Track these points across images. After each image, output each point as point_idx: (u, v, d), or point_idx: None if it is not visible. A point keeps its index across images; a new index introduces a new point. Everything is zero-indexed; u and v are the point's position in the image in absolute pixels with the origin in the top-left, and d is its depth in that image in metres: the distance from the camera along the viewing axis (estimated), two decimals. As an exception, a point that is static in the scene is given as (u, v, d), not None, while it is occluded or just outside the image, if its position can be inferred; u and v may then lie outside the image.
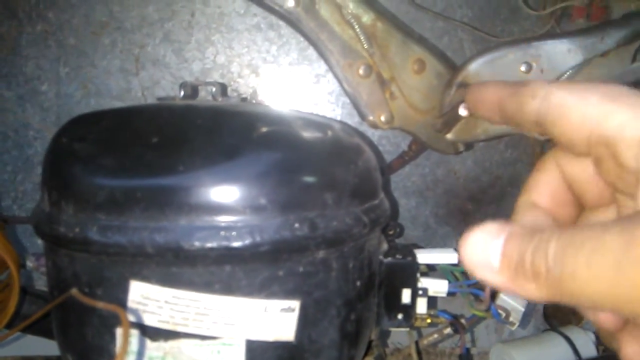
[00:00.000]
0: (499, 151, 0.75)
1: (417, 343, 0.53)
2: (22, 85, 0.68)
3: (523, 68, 0.48)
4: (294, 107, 0.70)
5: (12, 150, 0.69)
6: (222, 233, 0.35)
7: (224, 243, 0.35)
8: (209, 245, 0.35)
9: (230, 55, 0.70)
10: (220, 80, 0.70)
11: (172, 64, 0.69)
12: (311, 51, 0.67)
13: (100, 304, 0.29)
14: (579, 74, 0.49)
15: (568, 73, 0.49)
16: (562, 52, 0.48)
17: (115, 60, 0.68)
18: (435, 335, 0.57)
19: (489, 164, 0.75)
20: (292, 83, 0.70)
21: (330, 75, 0.66)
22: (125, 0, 0.67)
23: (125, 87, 0.69)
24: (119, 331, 0.36)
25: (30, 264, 0.48)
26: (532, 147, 0.72)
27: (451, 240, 0.77)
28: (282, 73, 0.70)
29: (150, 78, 0.69)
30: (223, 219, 0.35)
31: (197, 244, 0.35)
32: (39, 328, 0.47)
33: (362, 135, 0.55)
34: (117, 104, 0.68)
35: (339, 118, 0.72)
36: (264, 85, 0.70)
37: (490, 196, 0.76)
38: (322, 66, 0.68)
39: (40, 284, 0.65)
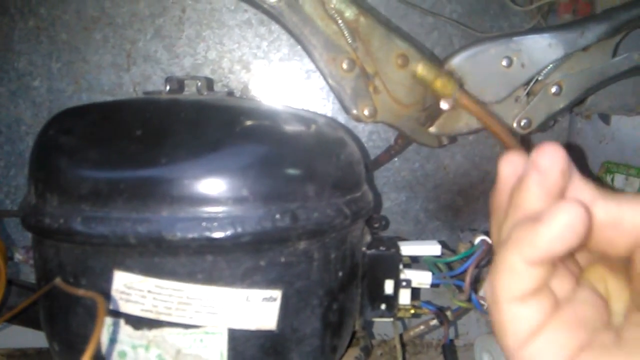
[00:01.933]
0: (489, 146, 0.76)
1: (401, 335, 0.54)
2: (14, 80, 0.68)
3: (504, 62, 0.49)
4: (285, 102, 0.71)
5: (5, 145, 0.69)
6: (204, 224, 0.36)
7: (206, 234, 0.36)
8: (190, 235, 0.35)
9: (221, 51, 0.70)
10: (211, 76, 0.70)
11: (163, 60, 0.70)
12: (302, 47, 0.68)
13: (81, 292, 0.30)
14: (560, 68, 0.50)
15: (549, 67, 0.49)
16: (543, 46, 0.49)
17: (107, 55, 0.69)
18: (422, 327, 0.58)
19: (479, 159, 0.76)
20: (282, 79, 0.71)
21: (320, 71, 0.66)
22: (116, -4, 0.68)
23: (116, 82, 0.70)
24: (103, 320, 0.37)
25: (19, 256, 0.48)
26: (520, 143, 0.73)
27: (441, 234, 0.78)
28: (272, 69, 0.71)
29: (142, 73, 0.70)
30: (205, 210, 0.36)
31: (178, 234, 0.35)
32: (27, 319, 0.48)
33: (347, 130, 0.56)
34: (109, 99, 0.68)
35: (329, 114, 0.72)
36: (254, 80, 0.71)
37: (479, 191, 0.77)
38: (312, 62, 0.69)
39: (32, 278, 0.66)
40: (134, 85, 0.70)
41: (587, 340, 0.22)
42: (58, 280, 0.32)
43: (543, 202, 0.21)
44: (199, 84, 0.45)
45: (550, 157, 0.21)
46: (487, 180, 0.77)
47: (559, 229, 0.20)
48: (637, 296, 0.22)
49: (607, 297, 0.24)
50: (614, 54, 0.50)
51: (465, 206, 0.77)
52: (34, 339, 0.55)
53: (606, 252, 0.23)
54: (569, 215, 0.20)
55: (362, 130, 0.73)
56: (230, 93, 0.55)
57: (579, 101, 0.53)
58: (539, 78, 0.50)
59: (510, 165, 0.24)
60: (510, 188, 0.23)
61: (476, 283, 0.49)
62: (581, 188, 0.23)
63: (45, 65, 0.69)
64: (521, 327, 0.22)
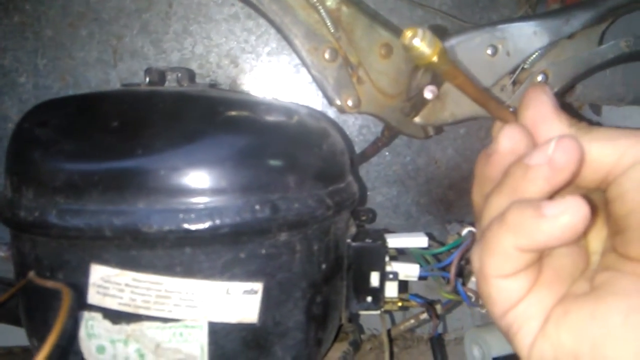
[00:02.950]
0: (480, 139, 0.75)
1: (389, 331, 0.53)
2: (0, 77, 0.68)
3: (489, 51, 0.48)
4: (274, 96, 0.70)
5: (-9, 142, 0.69)
6: (181, 215, 0.35)
7: (183, 225, 0.35)
8: (167, 227, 0.35)
9: (208, 45, 0.70)
10: (199, 71, 0.70)
11: (150, 55, 0.69)
12: (290, 41, 0.67)
13: (49, 284, 0.29)
14: (545, 57, 0.49)
15: (534, 55, 0.49)
16: (528, 34, 0.48)
17: (93, 51, 0.68)
18: (412, 321, 0.58)
19: (470, 152, 0.75)
20: (271, 73, 0.70)
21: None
22: (102, -9, 0.67)
23: (103, 78, 0.69)
24: (80, 315, 0.37)
25: (1, 253, 0.48)
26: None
27: (433, 228, 0.77)
28: (261, 63, 0.70)
29: (128, 69, 0.69)
30: (182, 202, 0.36)
31: (155, 226, 0.35)
32: (10, 316, 0.47)
33: (331, 121, 0.55)
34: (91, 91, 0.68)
35: (319, 107, 0.72)
36: (243, 75, 0.70)
37: (471, 185, 0.76)
38: (300, 55, 0.68)
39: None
40: (121, 81, 0.69)
41: (563, 293, 0.22)
42: (32, 274, 0.31)
43: (545, 194, 0.21)
44: (179, 75, 0.44)
45: (568, 154, 0.20)
46: (478, 174, 0.76)
47: (561, 228, 0.20)
48: (612, 236, 0.22)
49: (586, 236, 0.24)
50: (601, 42, 0.50)
51: (457, 200, 0.77)
52: (21, 337, 0.55)
53: (577, 185, 0.23)
54: (573, 216, 0.19)
55: (352, 125, 0.72)
56: (213, 85, 0.54)
57: (566, 90, 0.53)
58: (525, 66, 0.50)
59: (509, 140, 0.23)
60: (506, 163, 0.23)
61: (465, 275, 0.49)
62: (554, 124, 0.22)
63: (31, 62, 0.68)
64: (507, 298, 0.22)
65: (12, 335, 0.56)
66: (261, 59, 0.70)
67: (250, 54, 0.70)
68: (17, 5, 0.67)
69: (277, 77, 0.70)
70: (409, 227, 0.77)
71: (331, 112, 0.70)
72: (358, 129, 0.73)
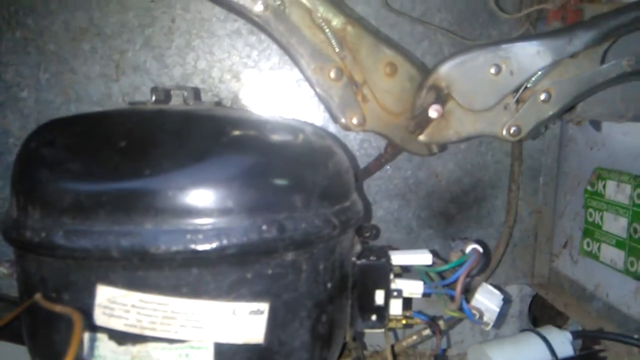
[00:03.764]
0: (480, 154, 0.75)
1: (392, 347, 0.53)
2: (2, 92, 0.68)
3: (493, 70, 0.49)
4: (276, 112, 0.71)
5: (-8, 157, 0.69)
6: (189, 236, 0.35)
7: (190, 246, 0.35)
8: (174, 248, 0.35)
9: (211, 60, 0.70)
10: (201, 86, 0.70)
11: (153, 70, 0.69)
12: (292, 56, 0.68)
13: (57, 308, 0.29)
14: (549, 76, 0.50)
15: (538, 74, 0.49)
16: (531, 54, 0.48)
17: (96, 66, 0.69)
18: (414, 337, 0.58)
19: (470, 166, 0.76)
20: (273, 88, 0.71)
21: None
22: (105, 7, 0.67)
23: (105, 93, 0.69)
24: (86, 336, 0.36)
25: (4, 270, 0.47)
26: (511, 150, 0.73)
27: (434, 242, 0.77)
28: (263, 78, 0.70)
29: (131, 84, 0.69)
30: (190, 222, 0.36)
31: (162, 247, 0.35)
32: (13, 335, 0.47)
33: (335, 138, 0.55)
34: (98, 110, 0.68)
35: (320, 123, 0.72)
36: (245, 90, 0.71)
37: (472, 198, 0.77)
38: (302, 71, 0.68)
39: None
40: (123, 96, 0.69)
41: None
42: (38, 296, 0.31)
43: None
44: (185, 94, 0.44)
45: None
46: (479, 187, 0.76)
47: None
48: None
49: None
50: (603, 61, 0.50)
51: (458, 214, 0.77)
52: (22, 355, 0.54)
53: None
54: None
55: (354, 139, 0.72)
56: (219, 103, 0.54)
57: (569, 108, 0.53)
58: (528, 85, 0.50)
59: None
60: None
61: (467, 292, 0.49)
62: None
63: (33, 76, 0.68)
64: None
65: (14, 353, 0.56)
66: (263, 74, 0.70)
67: (253, 69, 0.70)
68: (19, 20, 0.67)
69: (278, 92, 0.71)
70: (410, 241, 0.77)
71: (332, 127, 0.70)
72: (359, 143, 0.73)
